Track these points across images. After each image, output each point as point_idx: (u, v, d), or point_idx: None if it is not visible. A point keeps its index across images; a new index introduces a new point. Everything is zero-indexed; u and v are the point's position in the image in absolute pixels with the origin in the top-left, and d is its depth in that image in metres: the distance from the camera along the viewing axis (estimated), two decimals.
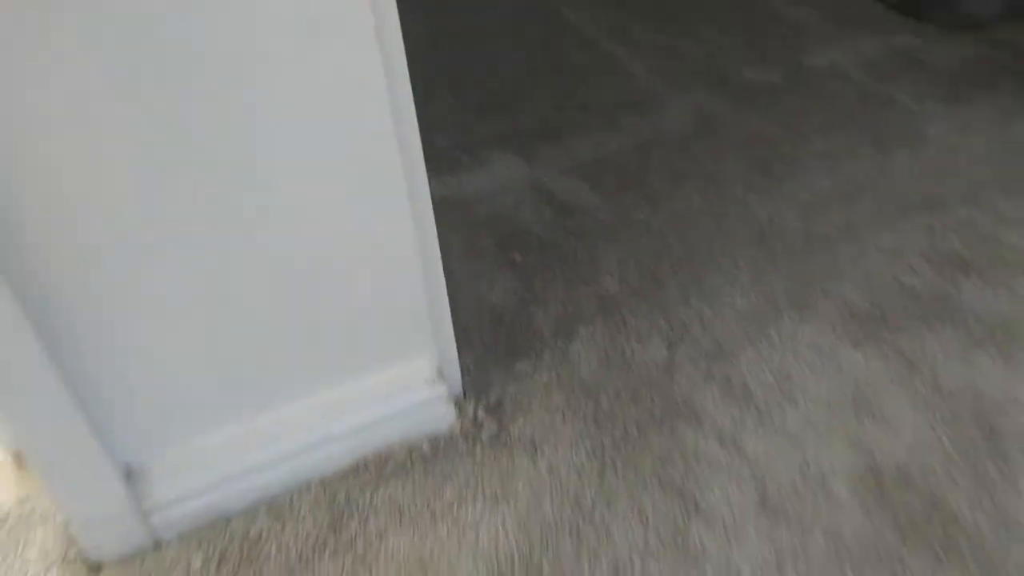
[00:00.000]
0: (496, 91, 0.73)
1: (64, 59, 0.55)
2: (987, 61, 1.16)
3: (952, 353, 0.84)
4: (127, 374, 0.68)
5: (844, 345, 0.86)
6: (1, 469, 0.86)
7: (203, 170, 0.62)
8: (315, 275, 0.71)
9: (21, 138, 0.57)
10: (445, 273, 0.77)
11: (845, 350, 0.86)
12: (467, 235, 0.99)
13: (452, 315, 0.79)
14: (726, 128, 1.15)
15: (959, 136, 1.07)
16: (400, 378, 0.79)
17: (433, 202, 0.73)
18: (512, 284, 0.97)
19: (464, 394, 0.85)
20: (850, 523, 0.73)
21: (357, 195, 0.68)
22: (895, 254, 0.94)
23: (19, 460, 0.85)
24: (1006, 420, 0.78)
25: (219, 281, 0.68)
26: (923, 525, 0.72)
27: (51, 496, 0.73)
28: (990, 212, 0.97)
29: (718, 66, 1.25)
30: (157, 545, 0.77)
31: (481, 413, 0.84)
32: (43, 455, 0.67)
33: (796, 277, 0.94)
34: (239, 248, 0.67)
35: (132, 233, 0.62)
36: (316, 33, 0.60)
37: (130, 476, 0.72)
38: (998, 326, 0.86)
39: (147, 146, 0.60)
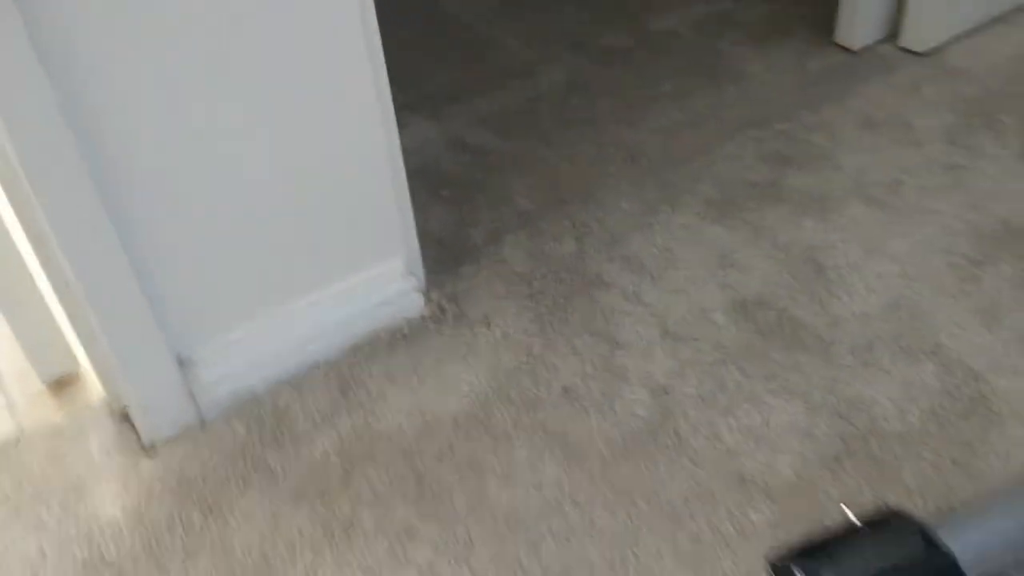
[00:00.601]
0: (399, 70, 0.93)
1: None
2: (785, 15, 1.48)
3: (785, 220, 1.13)
4: (177, 274, 0.86)
5: (707, 224, 1.14)
6: (41, 397, 1.01)
7: (233, 93, 0.82)
8: (314, 193, 0.91)
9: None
10: None
11: (708, 227, 1.13)
12: None
13: None
14: (594, 83, 1.41)
15: (770, 73, 1.38)
16: (381, 275, 1.00)
17: None
18: (445, 214, 1.20)
19: (427, 289, 1.07)
20: (727, 336, 1.00)
21: (342, 123, 0.90)
22: (736, 159, 1.23)
23: (59, 386, 1.00)
24: (827, 257, 1.07)
25: (242, 192, 0.87)
26: (777, 330, 1.00)
27: (117, 385, 0.90)
28: (798, 123, 1.27)
29: (580, 37, 1.52)
30: (203, 423, 0.94)
31: (444, 301, 1.06)
32: (117, 345, 0.84)
33: (665, 184, 1.21)
34: (260, 161, 0.86)
35: (184, 153, 0.81)
36: None
37: (182, 364, 0.90)
38: (815, 199, 1.15)
39: (194, 75, 0.79)
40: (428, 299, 1.06)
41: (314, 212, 0.93)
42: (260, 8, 0.79)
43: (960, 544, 0.75)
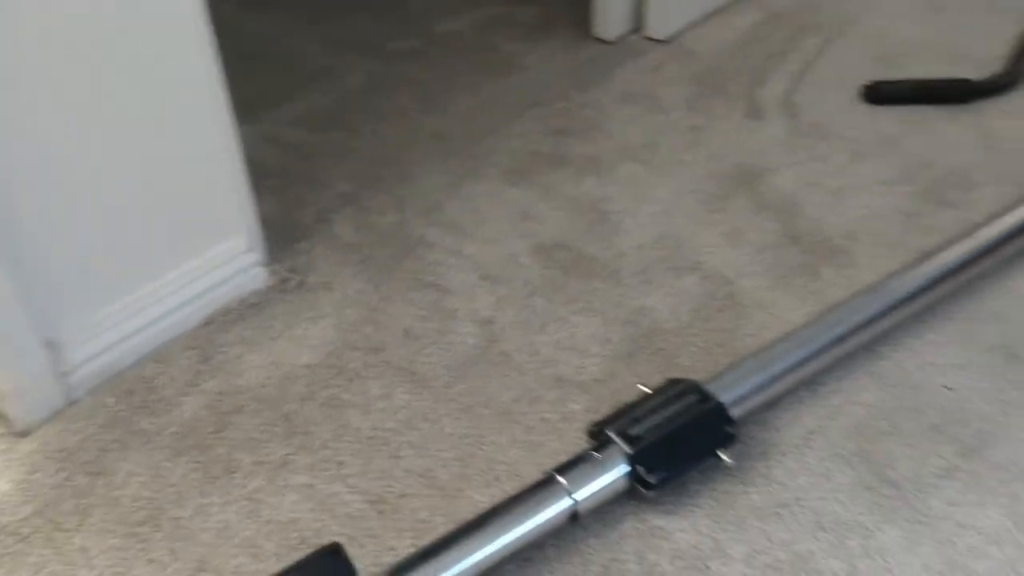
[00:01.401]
0: None
1: None
2: (551, 16, 1.71)
3: (571, 180, 1.34)
4: (40, 261, 0.93)
5: (507, 188, 1.33)
6: None
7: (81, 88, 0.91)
8: (161, 182, 1.01)
9: None
10: None
11: (509, 190, 1.32)
12: None
13: None
14: (392, 81, 1.57)
15: (545, 64, 1.60)
16: (227, 251, 1.11)
17: None
18: (274, 202, 1.31)
19: (270, 263, 1.18)
20: (534, 274, 1.19)
21: (183, 124, 1.00)
22: (525, 135, 1.43)
23: None
24: (607, 206, 1.29)
25: (96, 184, 0.96)
26: (574, 265, 1.20)
27: None
28: (572, 103, 1.50)
29: (374, 43, 1.67)
30: (73, 402, 1.01)
31: (285, 273, 1.18)
32: None
33: (468, 158, 1.39)
34: (112, 156, 0.95)
35: (34, 145, 0.89)
36: None
37: (48, 347, 0.96)
38: (592, 162, 1.37)
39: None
40: (271, 272, 1.18)
41: (162, 199, 1.02)
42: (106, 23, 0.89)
43: (726, 394, 0.99)
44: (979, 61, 1.51)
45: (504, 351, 1.09)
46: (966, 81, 1.46)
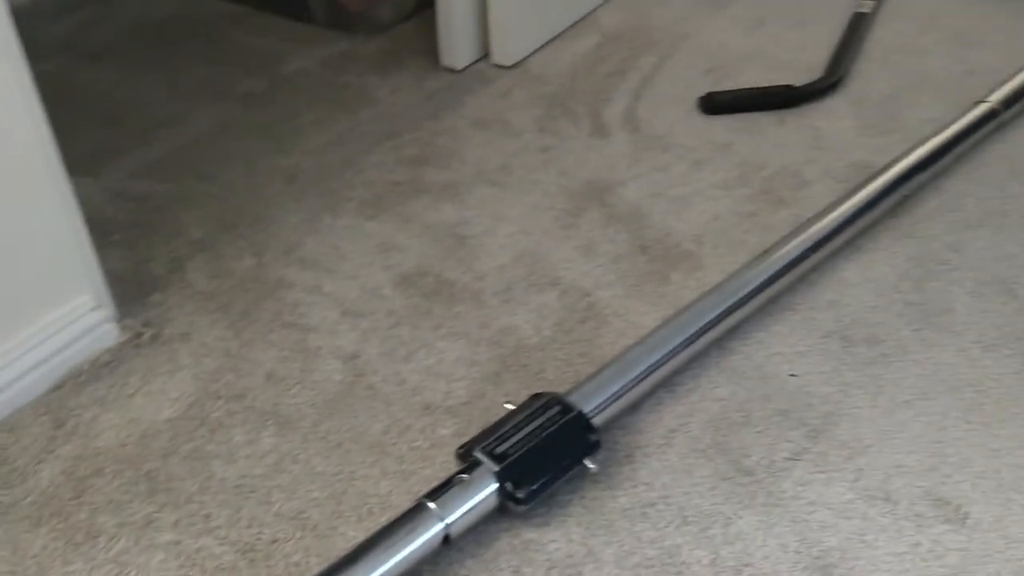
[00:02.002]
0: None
1: None
2: (399, 49, 1.73)
3: (428, 208, 1.35)
4: None
5: (365, 221, 1.33)
6: None
7: None
8: None
9: None
10: None
11: (367, 223, 1.33)
12: None
13: None
14: (241, 124, 1.56)
15: (396, 95, 1.62)
16: (73, 311, 1.07)
17: None
18: (122, 255, 1.27)
19: (121, 319, 1.15)
20: (397, 304, 1.19)
21: (15, 187, 0.97)
22: (380, 167, 1.44)
23: None
24: (466, 230, 1.31)
25: None
26: (436, 292, 1.21)
27: None
28: (426, 131, 1.52)
29: (220, 87, 1.65)
30: None
31: (139, 327, 1.15)
32: None
33: (324, 195, 1.38)
34: None
35: None
36: None
37: None
38: (449, 188, 1.39)
39: None
40: (123, 328, 1.14)
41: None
42: None
43: (587, 403, 1.02)
44: (802, 68, 1.62)
45: (371, 384, 1.09)
46: (790, 87, 1.56)
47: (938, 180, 1.35)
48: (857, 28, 1.72)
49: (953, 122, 1.40)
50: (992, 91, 1.45)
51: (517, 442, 0.93)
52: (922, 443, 0.99)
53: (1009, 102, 1.43)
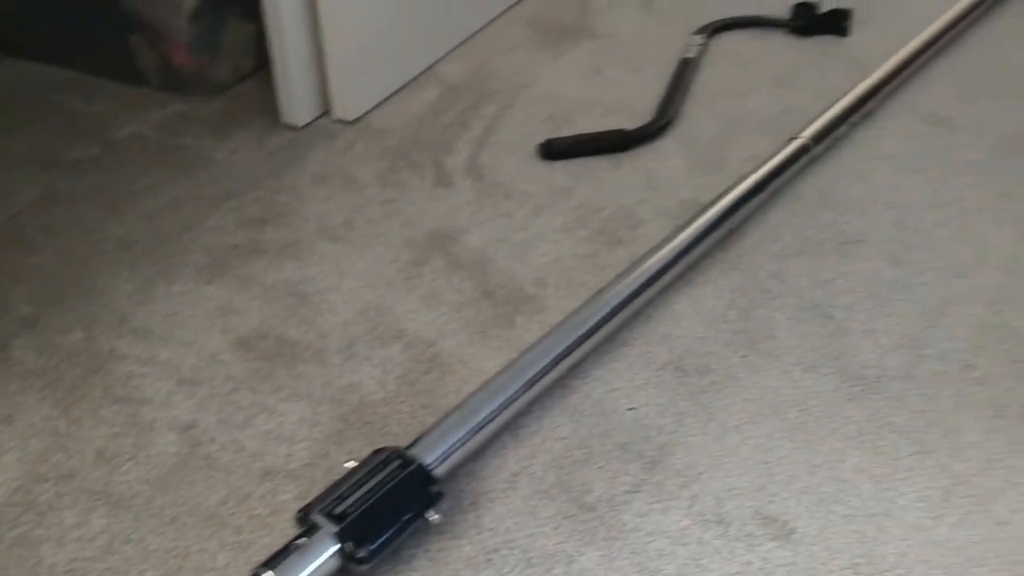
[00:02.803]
0: None
1: None
2: (238, 108, 1.72)
3: (269, 268, 1.34)
4: None
5: (203, 286, 1.30)
6: None
7: None
8: None
9: None
10: None
11: (204, 288, 1.30)
12: None
13: None
14: (72, 192, 1.50)
15: (236, 156, 1.60)
16: None
17: None
18: None
19: None
20: (236, 368, 1.17)
21: None
22: (218, 230, 1.41)
23: None
24: (308, 288, 1.30)
25: None
26: (277, 353, 1.20)
27: None
28: (267, 191, 1.50)
29: (49, 154, 1.59)
30: None
31: None
32: None
33: (159, 261, 1.35)
34: None
35: None
36: None
37: None
38: (290, 247, 1.38)
39: None
40: None
41: None
42: None
43: (428, 454, 1.02)
44: (635, 112, 1.69)
45: (208, 454, 1.06)
46: (623, 131, 1.63)
47: (759, 213, 1.43)
48: (684, 73, 1.81)
49: (770, 158, 1.49)
50: (804, 128, 1.56)
51: (356, 500, 0.92)
52: (751, 465, 1.04)
53: (819, 137, 1.54)
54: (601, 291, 1.23)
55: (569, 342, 1.15)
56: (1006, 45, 1.86)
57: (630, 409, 1.12)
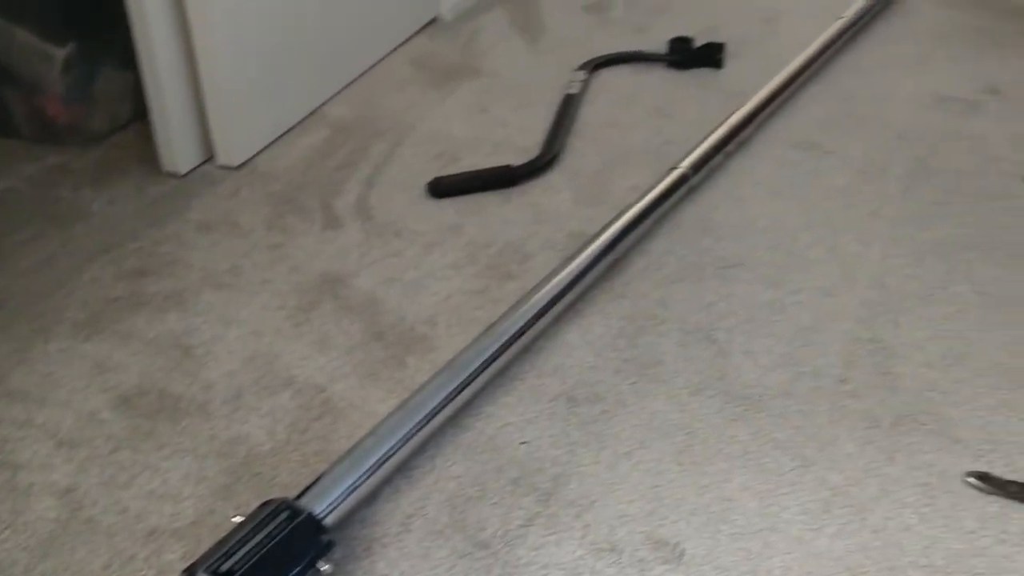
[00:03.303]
0: None
1: None
2: (117, 158, 1.68)
3: (150, 321, 1.30)
4: None
5: (80, 343, 1.26)
6: None
7: None
8: None
9: None
10: None
11: (82, 345, 1.26)
12: None
13: None
14: None
15: (115, 206, 1.55)
16: None
17: None
18: None
19: None
20: (117, 428, 1.13)
21: None
22: (97, 284, 1.37)
23: None
24: (191, 339, 1.27)
25: None
26: (159, 409, 1.16)
27: None
28: (148, 241, 1.47)
29: None
30: None
31: None
32: None
33: (34, 319, 1.30)
34: None
35: None
36: None
37: None
38: (173, 297, 1.35)
39: None
40: None
41: None
42: None
43: (318, 503, 1.00)
44: (521, 148, 1.72)
45: (90, 517, 1.02)
46: (510, 167, 1.65)
47: (643, 242, 1.47)
48: (568, 108, 1.86)
49: (652, 188, 1.54)
50: (683, 158, 1.61)
51: (244, 556, 0.90)
52: (641, 490, 1.06)
53: (697, 167, 1.60)
54: (491, 327, 1.24)
55: (460, 380, 1.15)
56: (866, 74, 1.97)
57: (523, 443, 1.12)
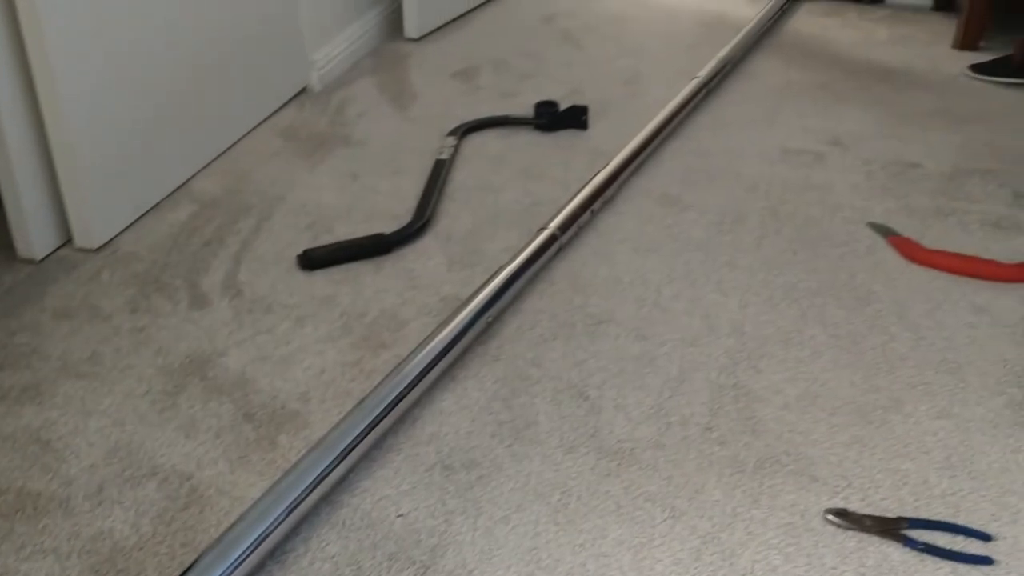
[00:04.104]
0: None
1: None
2: None
3: (5, 416, 1.24)
4: None
5: None
6: None
7: None
8: None
9: None
10: None
11: None
12: None
13: None
14: None
15: None
16: None
17: None
18: None
19: None
20: None
21: None
22: None
23: None
24: (49, 433, 1.22)
25: None
26: (17, 508, 1.10)
27: None
28: (4, 330, 1.40)
29: None
30: None
31: None
32: None
33: None
34: None
35: None
36: None
37: None
38: (29, 390, 1.29)
39: None
40: None
41: None
42: None
43: None
44: (394, 215, 1.74)
45: None
46: (381, 235, 1.66)
47: (516, 303, 1.50)
48: (439, 173, 1.89)
49: (522, 250, 1.57)
50: (552, 218, 1.66)
51: None
52: (519, 553, 1.06)
53: (565, 226, 1.65)
54: (363, 400, 1.23)
55: (332, 457, 1.14)
56: (720, 131, 2.08)
57: (399, 516, 1.11)
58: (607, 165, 1.84)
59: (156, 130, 1.73)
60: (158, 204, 1.75)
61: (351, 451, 1.16)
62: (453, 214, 1.76)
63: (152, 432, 1.23)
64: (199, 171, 1.87)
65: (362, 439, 1.18)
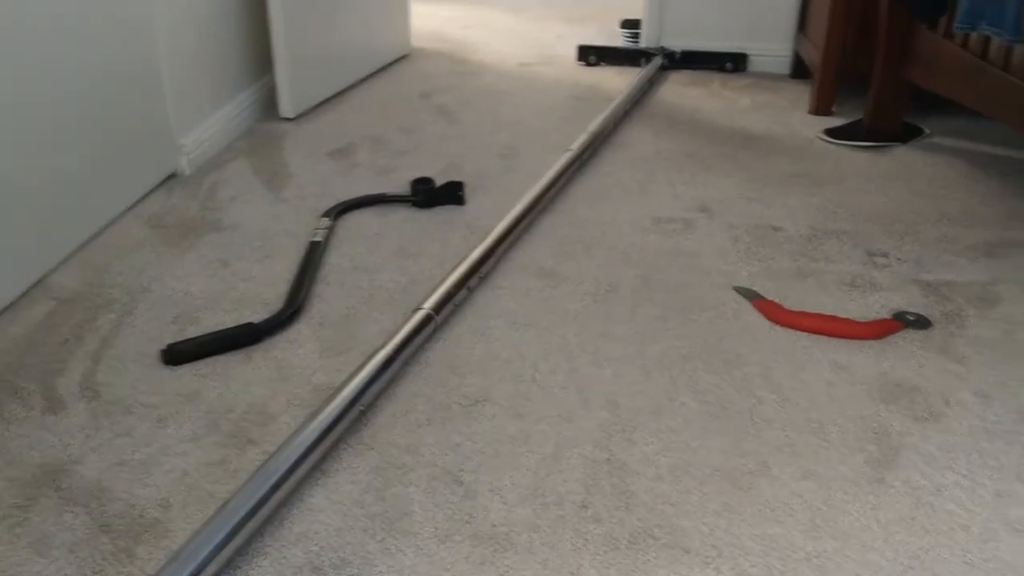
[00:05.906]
0: None
1: None
2: None
3: None
4: None
5: None
6: None
7: None
8: None
9: None
10: None
11: None
12: None
13: None
14: None
15: None
16: None
17: None
18: None
19: None
20: None
21: None
22: None
23: None
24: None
25: None
26: None
27: None
28: None
29: None
30: None
31: None
32: None
33: None
34: None
35: None
36: None
37: None
38: None
39: None
40: None
41: None
42: None
43: None
44: (266, 302, 1.70)
45: None
46: (251, 324, 1.62)
47: (391, 387, 1.47)
48: (313, 256, 1.86)
49: (397, 332, 1.56)
50: (426, 298, 1.65)
51: None
52: None
53: (439, 306, 1.64)
54: (225, 504, 1.17)
55: (191, 569, 1.08)
56: (594, 201, 2.13)
57: None
58: (483, 241, 1.86)
59: (7, 224, 1.66)
60: (13, 303, 1.66)
61: (211, 560, 1.10)
62: (327, 298, 1.74)
63: (2, 552, 1.15)
64: (58, 265, 1.79)
65: (224, 545, 1.12)
